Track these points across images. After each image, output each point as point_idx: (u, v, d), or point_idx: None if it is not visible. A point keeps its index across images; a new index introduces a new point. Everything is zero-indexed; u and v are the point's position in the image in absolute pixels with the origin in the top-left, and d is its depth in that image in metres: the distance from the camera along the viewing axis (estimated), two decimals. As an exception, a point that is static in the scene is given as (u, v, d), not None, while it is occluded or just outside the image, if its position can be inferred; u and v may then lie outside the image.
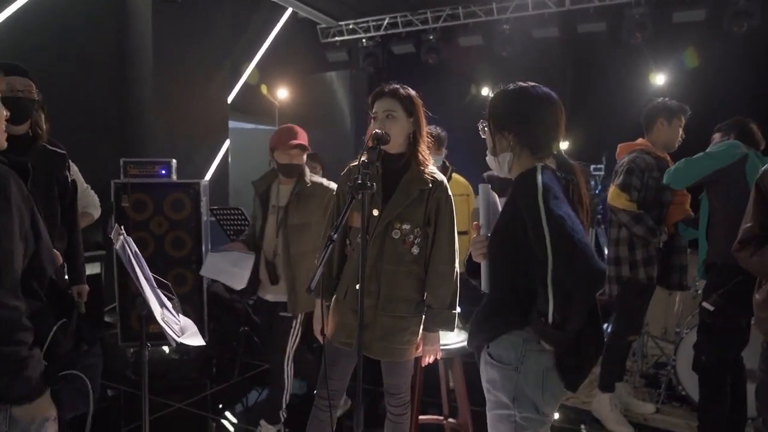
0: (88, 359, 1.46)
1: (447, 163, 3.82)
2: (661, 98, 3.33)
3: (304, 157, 2.89)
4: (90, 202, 3.04)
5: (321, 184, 2.91)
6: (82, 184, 2.97)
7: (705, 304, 2.79)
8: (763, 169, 1.97)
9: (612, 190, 3.20)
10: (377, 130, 2.02)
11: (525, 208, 1.55)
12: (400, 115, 2.13)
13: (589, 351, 1.62)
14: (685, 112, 3.23)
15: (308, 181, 2.88)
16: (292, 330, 2.87)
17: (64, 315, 1.43)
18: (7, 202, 1.33)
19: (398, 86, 2.17)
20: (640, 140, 3.31)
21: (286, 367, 2.88)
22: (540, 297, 1.51)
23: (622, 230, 3.20)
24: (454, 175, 3.81)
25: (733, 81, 5.48)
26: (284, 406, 2.92)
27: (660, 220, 3.18)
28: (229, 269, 2.82)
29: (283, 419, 2.94)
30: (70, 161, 2.62)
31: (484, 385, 1.73)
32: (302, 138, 2.86)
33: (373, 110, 2.16)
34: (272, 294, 2.89)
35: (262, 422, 2.98)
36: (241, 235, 3.05)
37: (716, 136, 3.17)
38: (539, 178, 1.56)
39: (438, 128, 3.54)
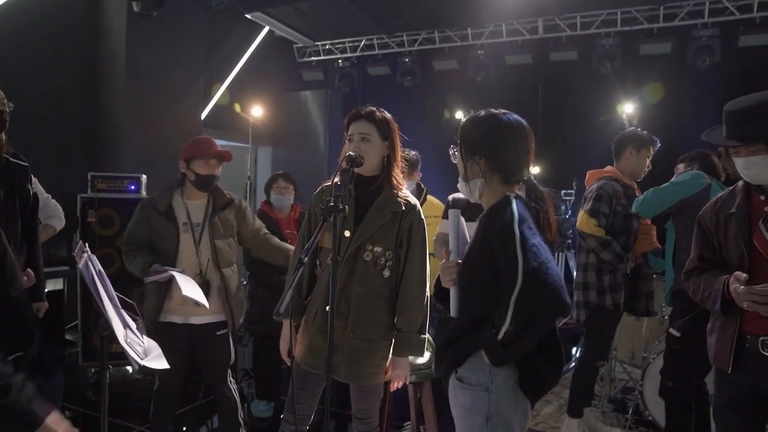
0: (41, 394, 1.38)
1: (422, 185, 3.84)
2: (632, 127, 3.41)
3: (220, 169, 2.78)
4: (52, 213, 2.93)
5: (232, 199, 2.84)
6: (42, 194, 2.87)
7: (671, 330, 2.85)
8: (704, 207, 2.08)
9: (581, 215, 3.26)
10: (351, 153, 2.02)
11: (498, 232, 1.57)
12: (375, 138, 2.13)
13: (549, 371, 1.65)
14: (654, 143, 3.31)
15: (227, 193, 2.81)
16: (231, 346, 2.82)
17: (21, 346, 1.36)
18: None
19: (374, 109, 2.17)
20: (608, 168, 3.39)
21: (231, 385, 2.83)
22: (498, 313, 1.53)
23: (591, 256, 3.25)
24: (429, 197, 3.82)
25: (696, 113, 5.67)
26: (243, 423, 2.86)
27: (627, 248, 3.24)
28: (194, 286, 2.63)
29: None
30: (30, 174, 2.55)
31: (454, 411, 1.71)
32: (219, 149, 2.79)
33: (349, 132, 2.16)
34: (199, 316, 2.70)
35: None
36: (139, 258, 2.69)
37: (680, 167, 3.27)
38: (515, 207, 1.60)
39: (411, 152, 3.54)
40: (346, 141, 2.17)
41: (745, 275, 1.79)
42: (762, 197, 1.90)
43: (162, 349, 2.65)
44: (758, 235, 1.87)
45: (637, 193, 3.26)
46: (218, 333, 2.74)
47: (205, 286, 2.66)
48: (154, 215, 2.71)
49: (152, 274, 2.58)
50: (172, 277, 2.55)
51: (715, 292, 1.89)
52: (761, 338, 1.85)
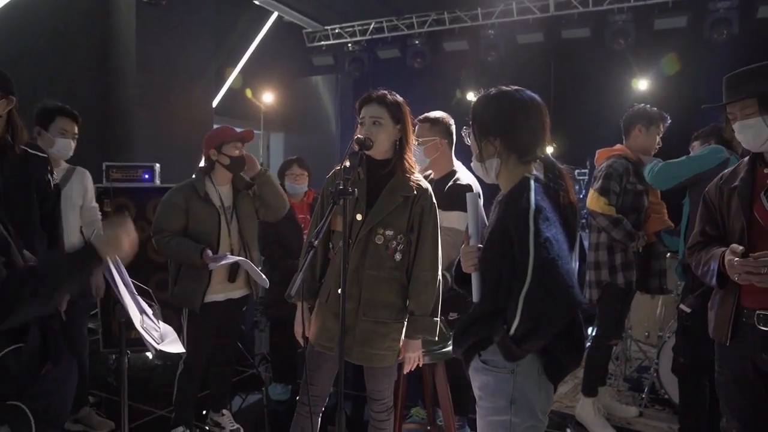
0: (46, 385, 1.40)
1: None
2: (642, 104, 3.36)
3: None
4: (91, 219, 3.22)
5: (252, 183, 3.02)
6: (91, 201, 3.22)
7: (682, 306, 2.84)
8: (711, 183, 2.09)
9: (591, 194, 3.23)
10: (359, 136, 2.03)
11: (515, 223, 1.54)
12: (386, 121, 2.13)
13: (568, 358, 1.64)
14: (664, 119, 3.26)
15: (245, 177, 3.01)
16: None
17: (20, 336, 1.37)
18: None
19: (386, 92, 2.17)
20: (618, 146, 3.35)
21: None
22: (510, 308, 1.51)
23: (602, 235, 3.23)
24: None
25: (713, 88, 5.54)
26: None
27: (638, 225, 3.22)
28: (253, 268, 2.88)
29: None
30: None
31: (476, 392, 1.70)
32: None
33: (360, 115, 2.16)
34: (225, 292, 2.91)
35: (225, 411, 3.24)
36: (186, 243, 2.82)
37: (695, 144, 3.22)
38: (533, 196, 1.56)
39: None
40: (358, 124, 2.17)
41: (741, 248, 1.79)
42: (766, 170, 1.89)
43: (201, 332, 2.86)
44: (759, 206, 1.87)
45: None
46: (243, 309, 3.06)
47: (235, 265, 2.87)
48: (194, 200, 2.84)
49: (211, 260, 2.74)
50: (235, 262, 2.80)
51: (713, 265, 1.90)
52: (758, 312, 1.86)
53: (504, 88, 1.70)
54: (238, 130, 3.00)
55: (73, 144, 3.11)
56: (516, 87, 1.70)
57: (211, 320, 2.88)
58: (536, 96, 1.69)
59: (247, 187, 3.00)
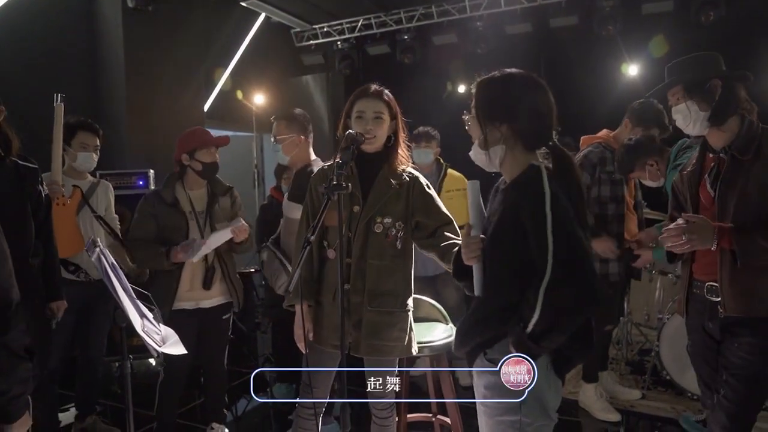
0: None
1: (441, 160, 3.84)
2: (650, 101, 3.15)
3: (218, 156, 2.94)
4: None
5: (231, 186, 3.01)
6: (112, 212, 3.24)
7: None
8: (677, 173, 2.22)
9: None
10: (351, 131, 2.03)
11: (530, 214, 1.46)
12: (386, 117, 2.15)
13: (579, 355, 1.61)
14: (659, 126, 3.12)
15: (222, 181, 2.98)
16: (229, 328, 3.04)
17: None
18: None
19: (382, 88, 2.18)
20: (602, 132, 3.33)
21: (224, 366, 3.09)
22: (526, 304, 1.43)
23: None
24: (450, 171, 3.81)
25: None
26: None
27: (619, 216, 3.16)
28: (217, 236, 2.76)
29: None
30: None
31: (481, 391, 1.61)
32: None
33: (357, 109, 2.13)
34: (195, 300, 2.83)
35: (215, 425, 3.11)
36: (153, 250, 2.82)
37: (637, 129, 3.23)
38: (546, 181, 1.47)
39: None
40: (345, 118, 2.16)
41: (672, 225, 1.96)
42: (710, 155, 2.02)
43: None
44: (703, 188, 2.00)
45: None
46: (223, 317, 2.93)
47: (210, 271, 2.82)
48: (161, 207, 2.81)
49: (182, 253, 2.67)
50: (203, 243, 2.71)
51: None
52: (707, 284, 1.98)
53: (509, 70, 1.61)
54: (226, 135, 2.99)
55: (95, 157, 3.16)
56: (520, 70, 1.62)
57: (182, 328, 2.56)
58: (541, 79, 1.62)
59: (224, 192, 2.94)
